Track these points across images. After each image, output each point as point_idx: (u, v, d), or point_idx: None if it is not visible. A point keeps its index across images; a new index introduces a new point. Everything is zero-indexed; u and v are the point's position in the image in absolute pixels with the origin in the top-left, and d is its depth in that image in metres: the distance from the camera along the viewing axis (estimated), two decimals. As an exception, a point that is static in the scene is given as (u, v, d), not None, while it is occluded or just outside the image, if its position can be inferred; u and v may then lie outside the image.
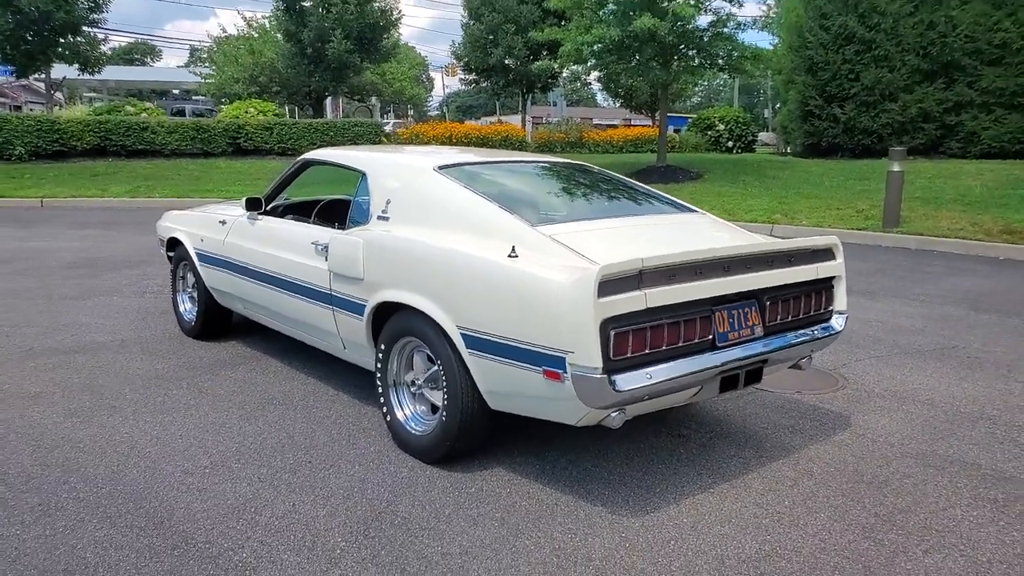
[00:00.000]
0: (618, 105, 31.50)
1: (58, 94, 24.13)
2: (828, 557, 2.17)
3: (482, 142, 19.19)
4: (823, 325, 2.90)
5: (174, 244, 4.49)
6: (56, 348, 4.14)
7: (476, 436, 2.67)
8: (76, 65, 20.27)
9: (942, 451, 2.91)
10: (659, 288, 2.27)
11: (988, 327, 4.85)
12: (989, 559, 2.17)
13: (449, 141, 19.05)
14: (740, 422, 3.19)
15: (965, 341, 4.51)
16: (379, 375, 2.92)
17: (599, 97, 58.17)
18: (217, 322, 4.33)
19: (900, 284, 6.26)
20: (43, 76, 21.26)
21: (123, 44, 50.64)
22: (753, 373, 2.60)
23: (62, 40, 19.16)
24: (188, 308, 4.48)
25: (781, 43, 19.23)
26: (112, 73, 29.77)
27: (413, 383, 2.86)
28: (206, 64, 27.86)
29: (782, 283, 2.66)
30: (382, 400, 2.93)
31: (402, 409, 2.88)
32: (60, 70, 22.40)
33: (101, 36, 21.01)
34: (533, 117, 30.84)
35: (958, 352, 4.28)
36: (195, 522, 2.31)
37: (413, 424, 2.83)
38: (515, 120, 26.36)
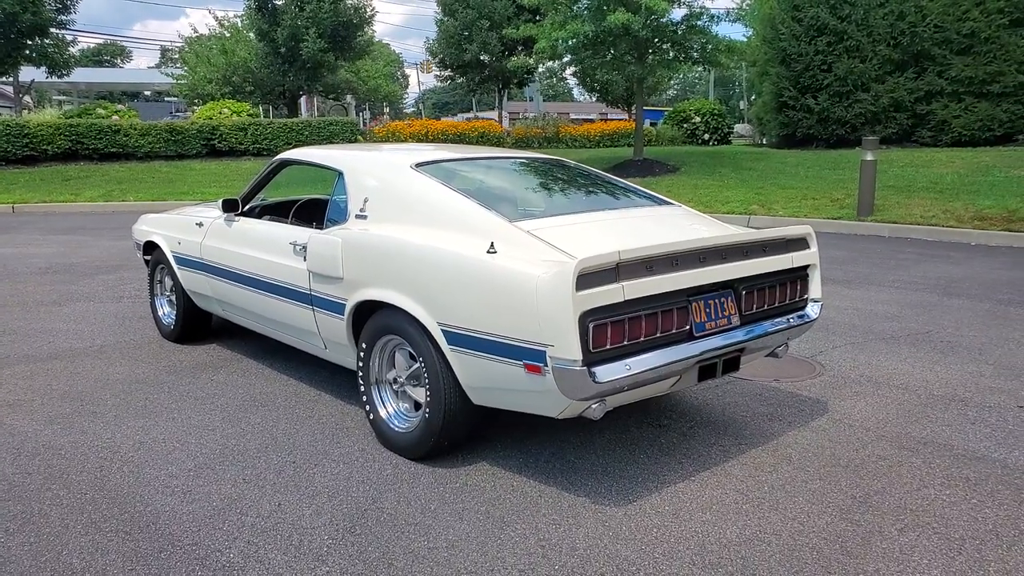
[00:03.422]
0: (594, 100, 31.60)
1: (27, 98, 23.64)
2: (807, 539, 2.22)
3: (459, 139, 19.14)
4: (799, 313, 2.96)
5: (151, 248, 4.44)
6: (33, 355, 4.08)
7: (459, 432, 2.69)
8: (44, 68, 19.90)
9: (916, 433, 2.99)
10: (636, 280, 2.30)
11: (960, 312, 4.97)
12: (962, 536, 2.24)
13: (425, 138, 18.98)
14: (719, 411, 3.25)
15: (938, 326, 4.62)
16: (361, 374, 2.93)
17: (575, 92, 58.26)
18: (197, 325, 4.30)
19: (874, 271, 6.38)
20: (11, 79, 20.84)
21: (92, 45, 49.78)
22: (731, 362, 2.64)
23: (29, 42, 18.79)
24: (167, 312, 4.44)
25: (755, 35, 19.42)
26: (82, 75, 29.24)
27: (395, 381, 2.87)
28: (178, 65, 27.47)
29: (757, 273, 2.71)
30: (364, 399, 2.93)
31: (385, 407, 2.89)
32: (28, 73, 21.97)
33: (69, 37, 20.67)
34: (510, 113, 30.82)
35: (931, 337, 4.38)
36: (181, 524, 2.31)
37: (396, 422, 2.84)
38: (492, 116, 26.33)
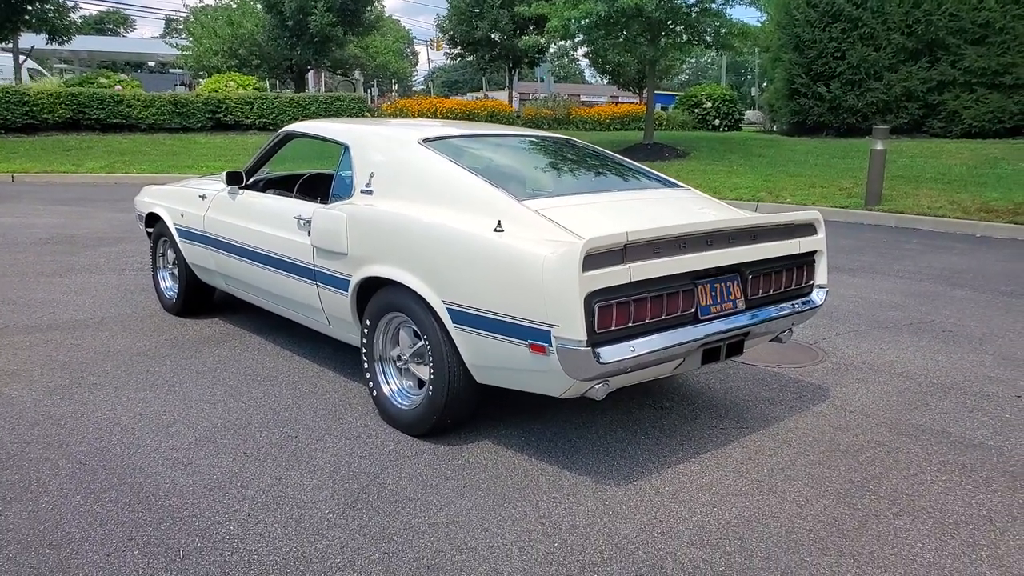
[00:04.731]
0: (606, 82, 31.32)
1: (30, 63, 23.41)
2: (804, 522, 2.23)
3: (468, 117, 19.00)
4: (804, 299, 2.94)
5: (153, 220, 4.43)
6: (33, 326, 4.09)
7: (462, 410, 2.69)
8: (44, 34, 19.71)
9: (915, 420, 2.99)
10: (643, 262, 2.28)
11: (963, 302, 4.95)
12: (956, 521, 2.25)
13: (434, 116, 18.85)
14: (722, 394, 3.25)
15: (941, 316, 4.60)
16: (365, 351, 2.93)
17: (587, 74, 57.80)
18: (199, 299, 4.29)
19: (880, 260, 6.35)
20: (10, 45, 20.64)
21: (94, 13, 49.27)
22: (735, 346, 2.64)
23: (29, 7, 18.59)
24: (169, 285, 4.44)
25: (769, 20, 19.17)
26: (83, 43, 28.96)
27: (399, 358, 2.87)
28: (183, 35, 27.20)
29: (764, 257, 2.69)
30: (368, 375, 2.94)
31: (388, 384, 2.89)
32: (28, 40, 21.75)
33: (70, 3, 20.42)
34: (520, 93, 30.57)
35: (934, 326, 4.37)
36: (181, 496, 2.32)
37: (399, 399, 2.85)
38: (501, 96, 26.12)
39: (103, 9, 49.68)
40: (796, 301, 2.90)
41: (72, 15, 20.59)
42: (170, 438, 2.72)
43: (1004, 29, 14.53)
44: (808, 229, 2.91)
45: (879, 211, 8.70)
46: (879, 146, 8.68)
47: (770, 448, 2.72)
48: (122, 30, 53.68)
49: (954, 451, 2.72)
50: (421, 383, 2.78)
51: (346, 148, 3.21)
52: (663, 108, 24.24)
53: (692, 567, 2.01)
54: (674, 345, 2.38)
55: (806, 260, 2.92)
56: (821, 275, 3.01)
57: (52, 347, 3.73)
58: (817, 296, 2.99)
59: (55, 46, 20.92)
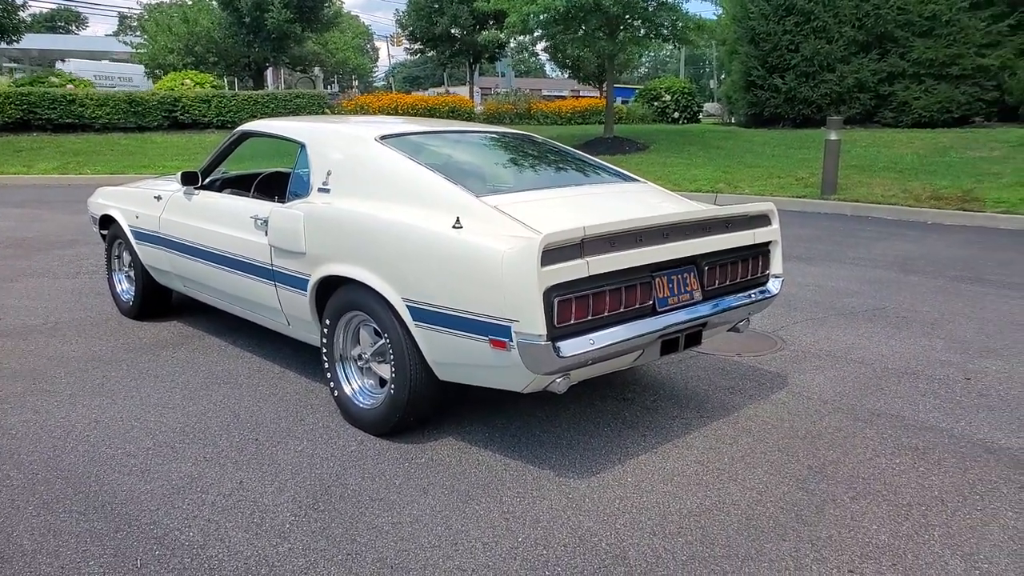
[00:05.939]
0: (566, 76, 31.42)
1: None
2: (764, 508, 2.28)
3: (429, 113, 18.89)
4: (760, 288, 3.00)
5: (107, 222, 4.31)
6: (-18, 333, 3.95)
7: (425, 407, 2.69)
8: (-9, 33, 19.02)
9: (870, 405, 3.08)
10: (601, 256, 2.30)
11: (915, 288, 5.11)
12: (909, 503, 2.32)
13: (395, 112, 18.69)
14: (682, 384, 3.30)
15: (895, 302, 4.74)
16: (325, 350, 2.90)
17: (548, 68, 57.94)
18: (156, 302, 4.20)
19: (836, 249, 6.51)
20: (-45, 45, 19.87)
21: (44, 11, 47.61)
22: (693, 336, 2.68)
23: (-26, 6, 17.93)
24: (125, 288, 4.33)
25: (724, 14, 19.44)
26: (34, 42, 28.01)
27: (360, 357, 2.84)
28: (137, 33, 26.45)
29: (720, 248, 2.74)
30: (329, 375, 2.91)
31: (349, 384, 2.87)
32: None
33: (19, 1, 19.71)
34: (481, 88, 30.50)
35: (888, 312, 4.50)
36: (139, 504, 2.27)
37: (361, 398, 2.83)
38: (463, 91, 26.01)
39: (54, 6, 48.03)
40: (753, 291, 2.96)
41: (21, 13, 19.88)
42: (127, 444, 2.66)
43: (950, 22, 14.96)
44: (762, 220, 2.97)
45: (835, 200, 8.91)
46: (833, 136, 8.89)
47: (730, 436, 2.78)
48: (74, 27, 51.97)
49: (907, 434, 2.81)
50: (383, 382, 2.77)
51: (303, 146, 3.17)
52: (623, 101, 24.41)
53: (654, 557, 2.04)
54: (633, 337, 2.41)
55: (761, 250, 2.98)
56: (776, 264, 3.07)
57: (3, 354, 3.60)
58: (773, 285, 3.05)
59: (3, 45, 20.18)
